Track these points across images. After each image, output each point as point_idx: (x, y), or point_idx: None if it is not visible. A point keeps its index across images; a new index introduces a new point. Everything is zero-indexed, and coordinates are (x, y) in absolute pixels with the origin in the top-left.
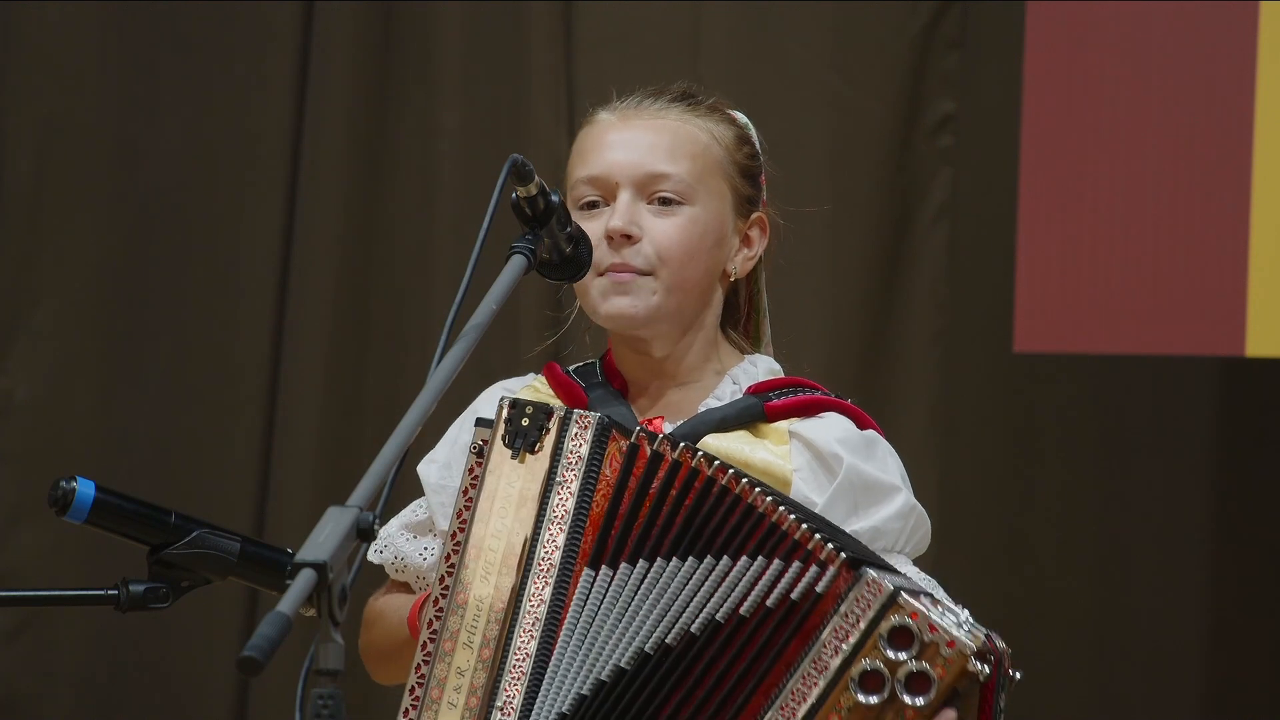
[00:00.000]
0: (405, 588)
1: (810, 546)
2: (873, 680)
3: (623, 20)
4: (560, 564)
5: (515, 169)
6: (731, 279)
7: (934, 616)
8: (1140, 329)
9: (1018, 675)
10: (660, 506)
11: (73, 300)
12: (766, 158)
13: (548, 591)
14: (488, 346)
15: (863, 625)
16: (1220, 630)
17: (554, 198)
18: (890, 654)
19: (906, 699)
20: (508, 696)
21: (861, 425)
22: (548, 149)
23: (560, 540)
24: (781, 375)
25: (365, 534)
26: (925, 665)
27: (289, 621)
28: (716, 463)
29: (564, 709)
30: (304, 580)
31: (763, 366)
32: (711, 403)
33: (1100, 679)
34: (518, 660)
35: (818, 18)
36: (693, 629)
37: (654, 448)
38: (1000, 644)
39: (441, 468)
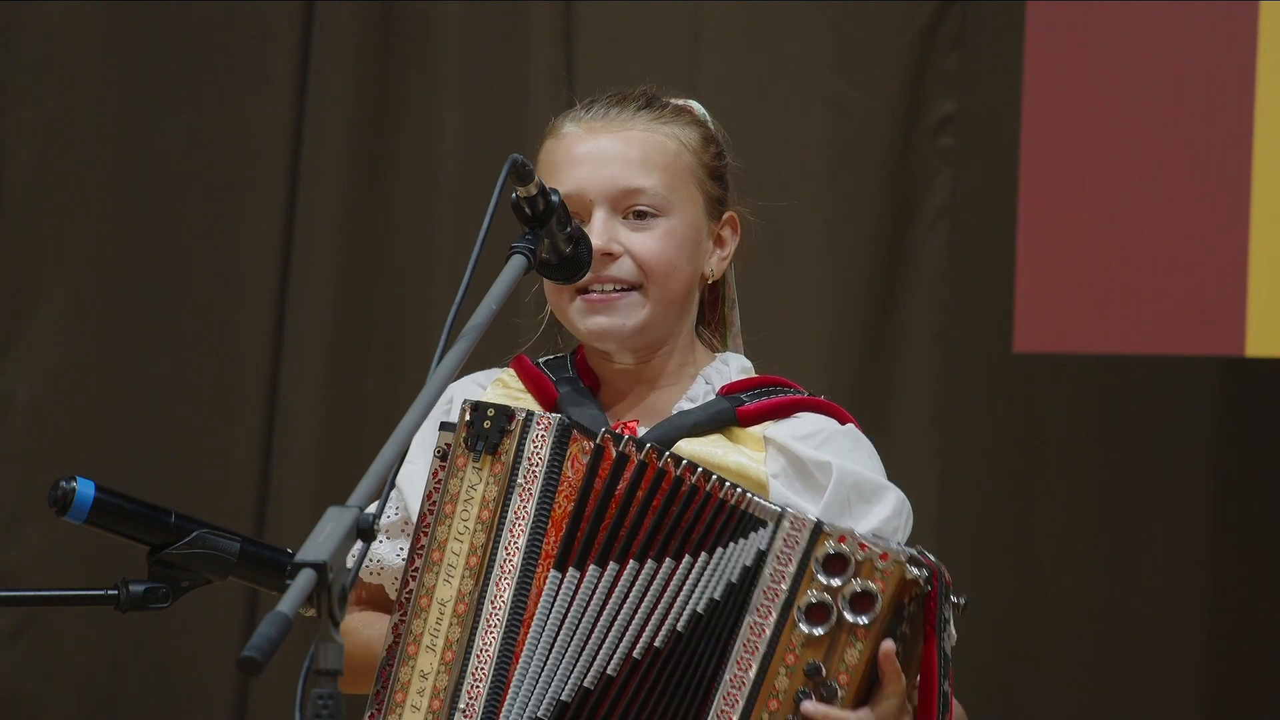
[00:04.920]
0: (374, 591)
1: (761, 515)
2: (818, 612)
3: (623, 20)
4: (521, 566)
5: (515, 169)
6: (710, 280)
7: (862, 537)
8: (1140, 329)
9: (963, 600)
10: (628, 508)
11: (73, 300)
12: (731, 152)
13: (509, 593)
14: (488, 346)
15: (795, 561)
16: (1220, 631)
17: (554, 198)
18: (828, 581)
19: (852, 619)
20: (470, 698)
21: (840, 421)
22: None
23: (521, 542)
24: (753, 374)
25: (365, 534)
26: (865, 582)
27: (289, 621)
28: (684, 463)
29: (539, 714)
30: (304, 580)
31: (734, 365)
32: (684, 404)
33: (1100, 679)
34: (480, 663)
35: (818, 18)
36: (679, 628)
37: (619, 449)
38: (933, 558)
39: (416, 465)
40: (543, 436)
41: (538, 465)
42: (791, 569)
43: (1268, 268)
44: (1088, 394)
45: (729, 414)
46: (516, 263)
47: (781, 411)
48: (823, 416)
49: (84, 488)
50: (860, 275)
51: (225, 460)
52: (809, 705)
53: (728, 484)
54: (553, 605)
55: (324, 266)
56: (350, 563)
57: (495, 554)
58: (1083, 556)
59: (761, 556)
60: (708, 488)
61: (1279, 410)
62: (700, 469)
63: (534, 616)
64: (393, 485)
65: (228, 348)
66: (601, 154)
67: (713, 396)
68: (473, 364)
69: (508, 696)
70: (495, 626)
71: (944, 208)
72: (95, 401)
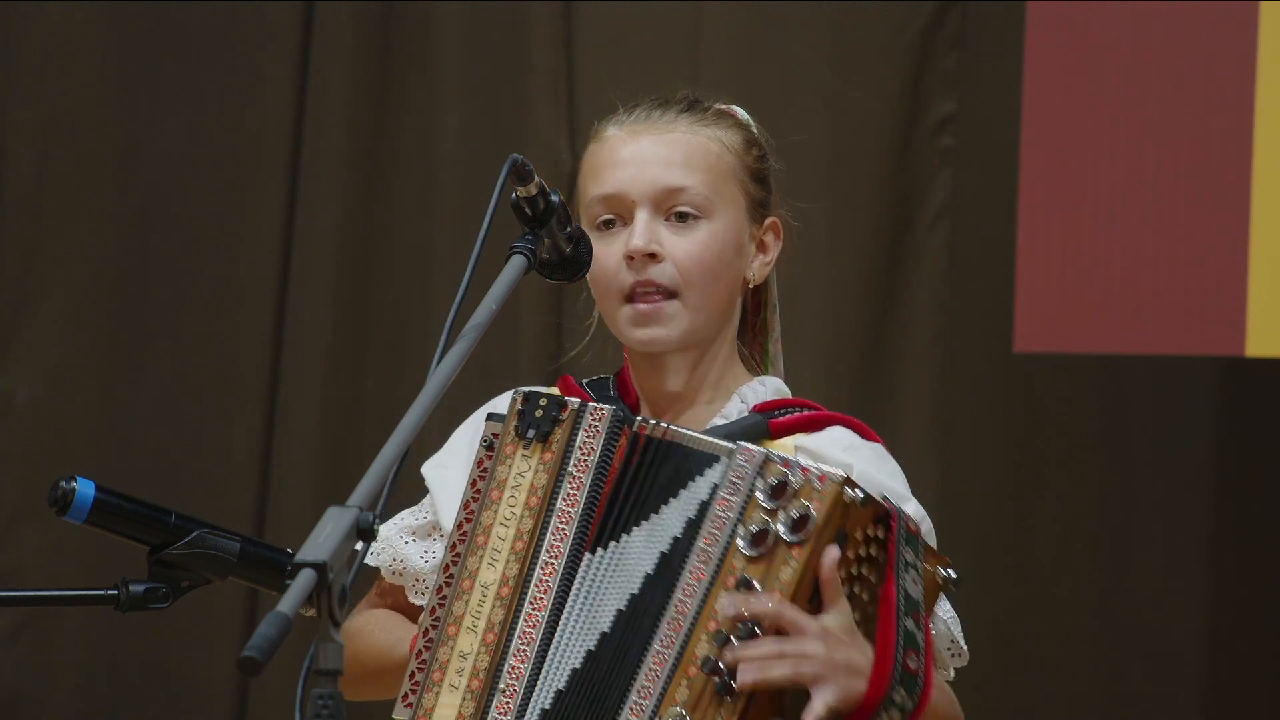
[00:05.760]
0: (397, 594)
1: (715, 451)
2: (760, 537)
3: (623, 20)
4: (569, 553)
5: (515, 169)
6: (750, 286)
7: (805, 462)
8: (1140, 329)
9: (952, 573)
10: (642, 483)
11: (73, 300)
12: (773, 155)
13: (554, 579)
14: (488, 347)
15: (742, 491)
16: (1220, 630)
17: (554, 198)
18: (771, 506)
19: (788, 538)
20: (511, 679)
21: (866, 438)
22: (548, 149)
23: (570, 530)
24: (789, 395)
25: (365, 534)
26: (802, 503)
27: (289, 621)
28: (667, 426)
29: (560, 686)
30: (304, 580)
31: (771, 386)
32: (718, 421)
33: (1100, 679)
34: (521, 645)
35: (818, 18)
36: (650, 570)
37: (648, 433)
38: (894, 504)
39: (449, 470)
40: (596, 427)
41: (590, 455)
42: (738, 498)
43: (1268, 268)
44: (1088, 394)
45: (762, 426)
46: (516, 263)
47: (813, 425)
48: (852, 432)
49: (84, 488)
50: (860, 275)
51: (225, 460)
52: (724, 599)
53: (685, 430)
54: (583, 587)
55: (324, 266)
56: (368, 560)
57: (542, 540)
58: (1083, 556)
59: (714, 489)
60: (669, 436)
61: (1279, 410)
62: (658, 422)
63: (570, 600)
64: (397, 476)
65: (228, 348)
66: (644, 155)
67: (747, 414)
68: (472, 364)
69: (542, 674)
70: (540, 610)
71: (944, 208)
72: (95, 401)
